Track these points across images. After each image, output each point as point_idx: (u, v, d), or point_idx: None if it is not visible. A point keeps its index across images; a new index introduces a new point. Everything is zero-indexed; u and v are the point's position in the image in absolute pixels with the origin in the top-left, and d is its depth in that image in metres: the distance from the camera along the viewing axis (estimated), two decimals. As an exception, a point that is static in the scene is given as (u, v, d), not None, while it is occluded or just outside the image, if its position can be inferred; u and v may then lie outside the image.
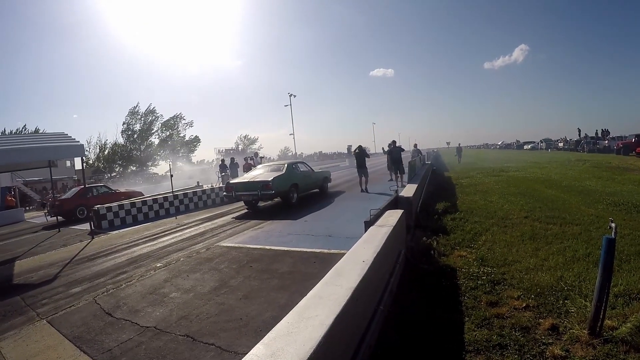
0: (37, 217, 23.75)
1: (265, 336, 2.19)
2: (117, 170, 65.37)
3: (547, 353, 3.32)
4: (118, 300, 5.65)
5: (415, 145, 23.08)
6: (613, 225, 3.47)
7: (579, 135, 50.44)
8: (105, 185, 24.30)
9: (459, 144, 38.79)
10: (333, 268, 3.41)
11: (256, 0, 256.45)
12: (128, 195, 19.80)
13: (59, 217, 16.83)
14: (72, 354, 4.12)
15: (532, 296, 4.50)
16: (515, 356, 3.33)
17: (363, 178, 16.50)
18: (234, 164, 22.29)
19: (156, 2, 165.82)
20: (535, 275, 5.15)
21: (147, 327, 4.61)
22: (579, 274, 5.04)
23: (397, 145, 17.78)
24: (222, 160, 24.60)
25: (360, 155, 16.89)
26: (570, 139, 54.64)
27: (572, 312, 4.01)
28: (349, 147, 55.53)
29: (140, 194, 18.98)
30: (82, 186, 19.71)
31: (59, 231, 14.07)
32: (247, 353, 2.05)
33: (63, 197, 20.36)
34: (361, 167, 16.56)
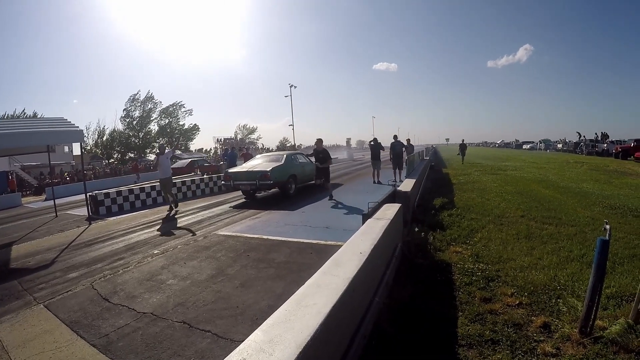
0: (34, 201, 23.68)
1: (264, 323, 2.23)
2: (115, 156, 65.23)
3: (538, 350, 3.37)
4: (115, 286, 5.66)
5: (408, 141, 22.67)
6: (608, 227, 3.51)
7: (579, 138, 50.34)
8: (204, 159, 35.54)
9: (463, 140, 33.21)
10: (331, 258, 3.45)
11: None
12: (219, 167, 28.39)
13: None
14: (68, 339, 4.13)
15: (526, 294, 4.55)
16: (507, 352, 3.38)
17: (377, 170, 16.67)
18: (232, 153, 22.29)
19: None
20: (529, 273, 5.20)
21: (144, 313, 4.63)
22: (572, 274, 5.09)
23: (397, 139, 17.71)
24: (226, 150, 25.51)
25: (376, 147, 16.99)
26: (570, 141, 54.69)
27: (564, 311, 4.06)
28: (348, 140, 55.50)
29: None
30: (190, 159, 32.62)
31: (56, 216, 14.06)
32: (242, 340, 2.08)
33: (176, 166, 29.69)
34: (376, 159, 16.71)
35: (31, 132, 11.49)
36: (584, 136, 49.22)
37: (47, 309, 5.04)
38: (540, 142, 67.96)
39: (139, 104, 68.78)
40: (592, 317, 3.47)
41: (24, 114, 56.67)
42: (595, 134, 46.64)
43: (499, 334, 3.65)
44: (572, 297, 4.36)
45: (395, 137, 17.67)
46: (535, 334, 3.64)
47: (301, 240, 7.48)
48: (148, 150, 69.32)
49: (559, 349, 3.37)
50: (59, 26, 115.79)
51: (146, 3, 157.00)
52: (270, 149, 79.01)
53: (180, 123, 74.21)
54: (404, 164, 16.47)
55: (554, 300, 4.36)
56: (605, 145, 40.27)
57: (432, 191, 13.48)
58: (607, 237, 3.42)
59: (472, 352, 3.41)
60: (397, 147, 17.28)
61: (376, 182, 16.26)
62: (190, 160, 33.48)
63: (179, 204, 13.80)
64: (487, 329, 3.75)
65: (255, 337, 2.06)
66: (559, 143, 59.05)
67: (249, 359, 1.87)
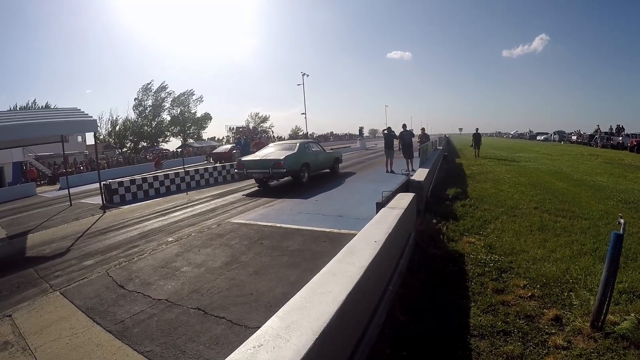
0: (48, 191, 23.94)
1: (280, 309, 2.27)
2: (128, 145, 65.63)
3: (550, 342, 3.38)
4: (130, 273, 5.75)
5: (423, 130, 22.00)
6: (622, 221, 3.49)
7: (595, 131, 49.32)
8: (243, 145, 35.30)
9: (477, 129, 28.38)
10: (346, 246, 3.49)
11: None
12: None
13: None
14: (85, 325, 4.21)
15: (538, 286, 4.56)
16: (519, 343, 3.39)
17: (389, 159, 16.58)
18: (245, 142, 22.44)
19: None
20: (541, 265, 5.20)
21: (159, 299, 4.70)
22: (585, 268, 5.07)
23: (407, 129, 17.50)
24: (239, 139, 26.49)
25: (389, 136, 16.91)
26: (584, 133, 53.78)
27: (576, 304, 4.06)
28: (361, 129, 55.01)
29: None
30: (232, 144, 35.94)
31: (71, 205, 14.23)
32: (257, 327, 2.12)
33: (219, 151, 34.32)
34: (389, 148, 16.63)
35: (46, 123, 11.57)
36: (598, 126, 48.42)
37: (63, 296, 5.14)
38: (555, 134, 66.87)
39: (152, 93, 69.15)
40: (604, 311, 3.47)
41: (35, 105, 57.31)
42: (610, 126, 45.89)
43: (510, 326, 3.67)
44: (584, 291, 4.35)
45: (404, 126, 17.48)
46: (546, 327, 3.65)
47: (315, 228, 7.48)
48: (160, 140, 69.74)
49: (570, 342, 3.38)
50: (72, 17, 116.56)
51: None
52: (283, 137, 78.96)
53: (192, 111, 74.62)
54: (416, 153, 16.30)
55: (566, 294, 4.36)
56: (620, 138, 39.51)
57: (445, 181, 13.42)
58: (621, 231, 3.41)
59: (483, 342, 3.43)
60: (406, 136, 17.08)
61: (389, 171, 16.14)
62: (231, 146, 35.61)
63: (192, 192, 13.88)
64: (499, 320, 3.76)
65: (272, 323, 2.10)
66: (574, 135, 58.12)
67: (266, 344, 1.90)
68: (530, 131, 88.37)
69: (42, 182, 32.53)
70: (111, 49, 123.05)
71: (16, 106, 56.39)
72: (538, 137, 74.06)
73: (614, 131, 43.61)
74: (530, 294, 4.35)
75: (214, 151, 37.12)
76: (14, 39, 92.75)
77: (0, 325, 4.42)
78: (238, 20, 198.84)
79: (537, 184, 12.73)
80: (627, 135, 38.50)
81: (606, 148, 39.55)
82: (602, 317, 3.49)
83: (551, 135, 68.99)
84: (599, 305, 3.48)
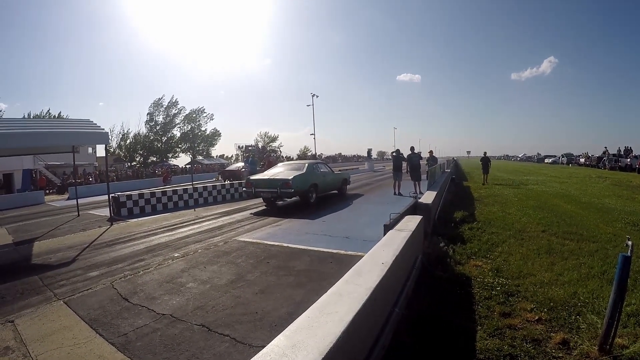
0: (57, 200, 24.07)
1: (287, 328, 2.27)
2: (137, 160, 66.01)
3: (557, 367, 3.35)
4: (135, 287, 5.75)
5: (431, 153, 21.87)
6: (630, 243, 3.47)
7: (603, 153, 49.13)
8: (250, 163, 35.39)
9: (485, 153, 25.34)
10: (353, 267, 3.48)
11: (287, 0, 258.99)
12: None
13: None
14: (87, 336, 4.21)
15: (545, 310, 4.51)
16: (526, 367, 3.36)
17: (397, 182, 16.58)
18: (253, 161, 22.57)
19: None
20: (549, 289, 5.15)
21: (163, 314, 4.70)
22: (592, 291, 5.02)
23: (415, 151, 17.55)
24: (247, 157, 26.54)
25: (398, 158, 16.95)
26: (592, 155, 53.55)
27: (583, 328, 4.02)
28: (369, 151, 55.09)
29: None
30: (243, 162, 33.65)
31: (79, 215, 14.31)
32: (261, 346, 2.12)
33: (231, 168, 33.30)
34: (397, 170, 16.65)
35: (59, 132, 11.74)
36: (606, 147, 48.17)
37: (67, 305, 5.16)
38: (563, 156, 66.83)
39: (163, 109, 69.71)
40: (612, 334, 3.44)
41: (49, 114, 57.89)
42: (619, 148, 45.63)
43: (517, 349, 3.63)
44: (592, 314, 4.31)
45: (412, 148, 17.55)
46: (554, 350, 3.61)
47: (321, 249, 7.48)
48: (170, 155, 70.14)
49: (578, 366, 3.35)
50: (88, 32, 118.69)
51: (173, 13, 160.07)
52: (292, 157, 79.22)
53: (202, 129, 75.21)
54: (424, 176, 16.28)
55: (573, 317, 4.32)
56: (628, 159, 39.24)
57: (453, 204, 13.35)
58: (629, 254, 3.39)
59: (490, 366, 3.41)
60: (414, 159, 17.11)
61: (397, 193, 16.15)
62: (243, 164, 35.54)
63: (200, 209, 13.91)
64: (506, 344, 3.73)
65: (279, 342, 2.10)
66: (582, 157, 57.93)
67: (272, 363, 1.90)
68: (538, 154, 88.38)
69: (50, 190, 32.73)
70: (125, 64, 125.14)
71: (30, 114, 57.03)
72: (546, 160, 74.01)
73: (622, 153, 43.39)
74: (537, 317, 4.31)
75: (226, 169, 36.59)
76: (32, 49, 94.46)
77: (2, 330, 4.43)
78: (252, 41, 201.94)
79: (545, 207, 12.66)
80: (636, 156, 38.24)
81: (614, 170, 39.33)
82: (610, 340, 3.45)
83: (559, 157, 68.86)
84: (607, 329, 3.44)
